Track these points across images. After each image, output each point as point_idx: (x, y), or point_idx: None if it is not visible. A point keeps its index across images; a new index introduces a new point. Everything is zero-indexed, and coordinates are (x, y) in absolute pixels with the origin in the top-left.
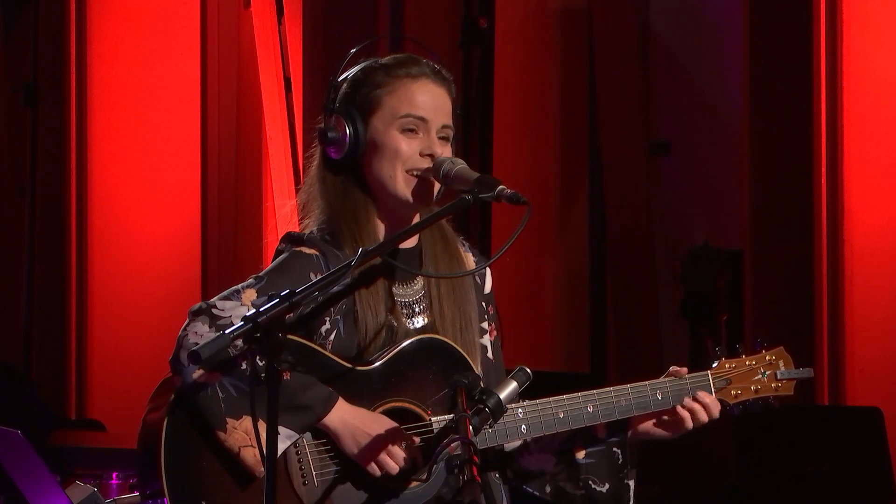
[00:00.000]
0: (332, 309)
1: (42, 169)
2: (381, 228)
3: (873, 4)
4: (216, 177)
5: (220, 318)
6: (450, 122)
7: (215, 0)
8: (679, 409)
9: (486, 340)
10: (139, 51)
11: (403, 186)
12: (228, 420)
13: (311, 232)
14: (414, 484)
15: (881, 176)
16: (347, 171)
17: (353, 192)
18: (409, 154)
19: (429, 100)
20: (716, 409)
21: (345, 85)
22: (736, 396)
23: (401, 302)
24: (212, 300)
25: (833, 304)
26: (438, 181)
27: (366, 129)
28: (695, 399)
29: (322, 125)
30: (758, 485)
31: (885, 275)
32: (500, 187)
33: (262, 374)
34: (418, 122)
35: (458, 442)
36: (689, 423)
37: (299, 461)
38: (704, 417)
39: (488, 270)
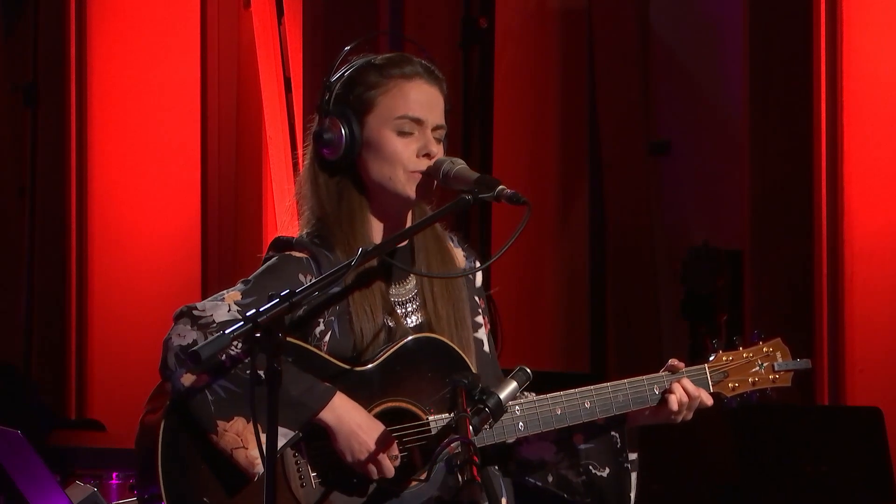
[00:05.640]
0: (325, 311)
1: (42, 169)
2: (375, 230)
3: (873, 4)
4: (216, 177)
5: (201, 317)
6: (443, 121)
7: (215, 0)
8: (667, 394)
9: (482, 334)
10: (139, 51)
11: (405, 185)
12: (219, 423)
13: (301, 236)
14: (413, 484)
15: (881, 176)
16: (342, 171)
17: (349, 194)
18: (407, 156)
19: (423, 99)
20: (697, 399)
21: (338, 85)
22: (733, 389)
23: (396, 301)
24: (195, 303)
25: (833, 304)
26: (438, 181)
27: (361, 130)
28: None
29: (316, 126)
30: (758, 485)
31: (885, 275)
32: (500, 187)
33: (262, 374)
34: (413, 123)
35: (458, 442)
36: (675, 405)
37: (296, 462)
38: (685, 398)
39: (477, 264)
